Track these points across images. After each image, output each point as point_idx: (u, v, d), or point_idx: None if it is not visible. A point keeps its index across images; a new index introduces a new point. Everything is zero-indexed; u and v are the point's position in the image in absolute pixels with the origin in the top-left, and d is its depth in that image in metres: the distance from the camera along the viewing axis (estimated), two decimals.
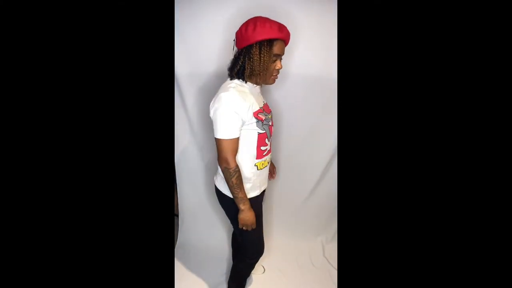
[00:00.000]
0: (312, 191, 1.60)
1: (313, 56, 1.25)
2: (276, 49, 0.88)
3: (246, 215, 0.98)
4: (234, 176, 0.93)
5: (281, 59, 0.93)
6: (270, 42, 0.87)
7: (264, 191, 1.15)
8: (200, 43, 1.21)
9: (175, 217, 1.72)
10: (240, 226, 1.01)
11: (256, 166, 1.01)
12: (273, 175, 1.36)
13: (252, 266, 1.27)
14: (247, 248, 1.16)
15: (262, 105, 1.00)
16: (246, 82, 0.94)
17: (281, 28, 0.88)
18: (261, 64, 0.88)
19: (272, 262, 1.59)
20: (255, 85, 0.97)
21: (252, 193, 1.04)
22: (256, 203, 1.07)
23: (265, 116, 0.98)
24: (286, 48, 1.01)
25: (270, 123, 1.01)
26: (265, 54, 0.87)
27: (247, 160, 0.99)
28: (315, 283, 1.47)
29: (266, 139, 1.00)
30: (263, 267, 1.56)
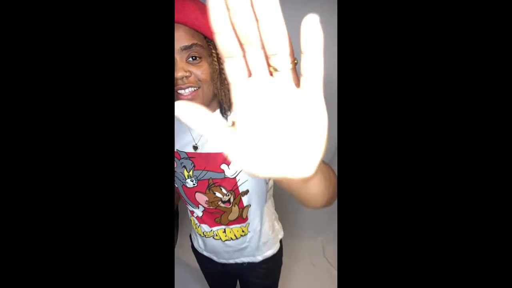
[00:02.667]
0: None
1: None
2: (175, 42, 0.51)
3: None
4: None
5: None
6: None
7: (236, 265, 0.76)
8: None
9: (175, 217, 1.72)
10: None
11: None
12: None
13: None
14: None
15: (191, 146, 0.60)
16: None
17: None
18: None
19: None
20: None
21: (195, 244, 0.80)
22: (207, 263, 0.79)
23: (181, 165, 0.59)
24: None
25: (191, 185, 0.59)
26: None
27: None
28: (315, 283, 1.47)
29: (189, 205, 0.64)
30: None
